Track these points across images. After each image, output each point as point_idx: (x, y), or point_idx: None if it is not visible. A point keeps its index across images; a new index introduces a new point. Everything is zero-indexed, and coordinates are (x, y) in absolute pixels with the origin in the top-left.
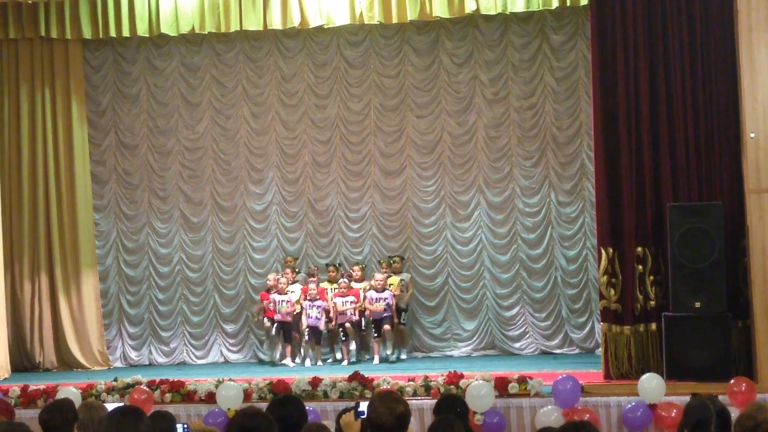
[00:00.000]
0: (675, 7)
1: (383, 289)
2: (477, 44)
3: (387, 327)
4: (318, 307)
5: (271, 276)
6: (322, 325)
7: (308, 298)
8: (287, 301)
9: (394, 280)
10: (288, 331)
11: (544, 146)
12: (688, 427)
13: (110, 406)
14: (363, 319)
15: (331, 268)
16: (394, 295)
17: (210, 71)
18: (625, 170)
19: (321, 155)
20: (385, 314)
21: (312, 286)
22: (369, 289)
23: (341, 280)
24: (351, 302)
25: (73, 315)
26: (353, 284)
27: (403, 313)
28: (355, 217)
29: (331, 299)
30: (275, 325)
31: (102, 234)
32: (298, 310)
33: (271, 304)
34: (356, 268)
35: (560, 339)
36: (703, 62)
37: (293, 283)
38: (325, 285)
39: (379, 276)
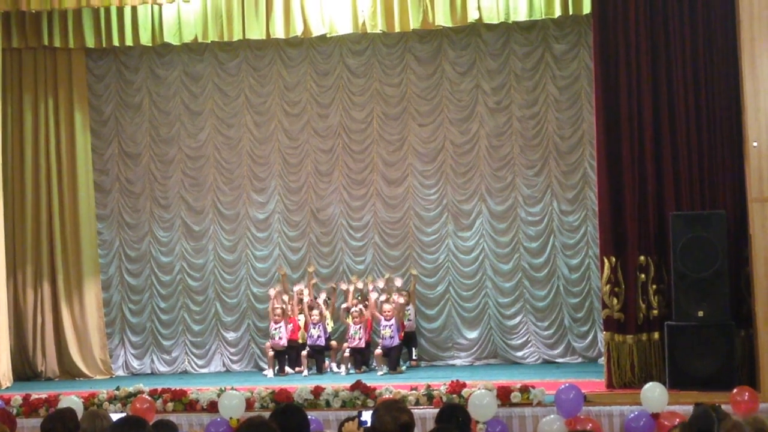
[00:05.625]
0: (677, 16)
1: (390, 318)
2: (479, 53)
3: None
4: (320, 325)
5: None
6: (323, 342)
7: (312, 321)
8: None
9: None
10: (283, 355)
11: (546, 155)
12: None
13: (112, 416)
14: (368, 348)
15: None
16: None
17: (212, 80)
18: (628, 179)
19: (323, 164)
20: (392, 340)
21: (315, 312)
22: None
23: (353, 310)
24: (361, 328)
25: (75, 324)
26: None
27: (414, 349)
28: (358, 225)
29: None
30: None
31: (105, 243)
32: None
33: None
34: (355, 301)
35: (563, 348)
36: (706, 71)
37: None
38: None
39: (387, 306)
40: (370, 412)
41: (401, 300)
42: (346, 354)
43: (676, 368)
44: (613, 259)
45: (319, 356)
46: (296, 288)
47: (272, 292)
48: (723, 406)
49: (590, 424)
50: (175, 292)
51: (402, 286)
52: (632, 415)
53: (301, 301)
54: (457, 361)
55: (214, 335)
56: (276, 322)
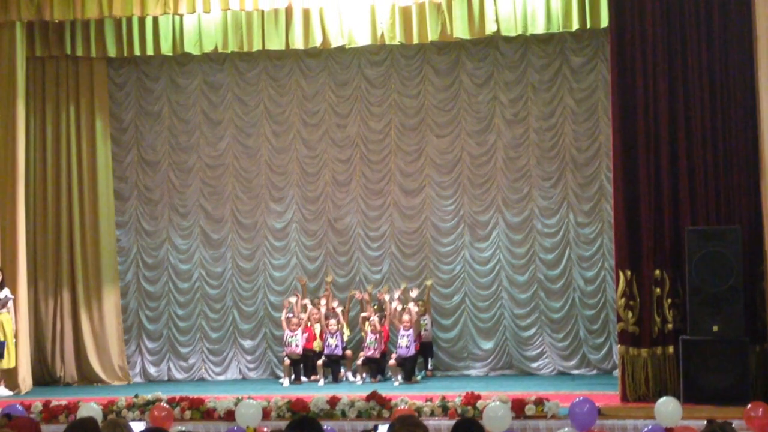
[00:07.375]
0: (694, 30)
1: (409, 328)
2: (497, 65)
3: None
4: (338, 335)
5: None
6: (340, 351)
7: (329, 330)
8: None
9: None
10: (299, 364)
11: (563, 167)
12: None
13: (132, 424)
14: (384, 358)
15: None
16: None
17: (232, 89)
18: (644, 192)
19: (341, 174)
20: (408, 350)
21: (333, 322)
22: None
23: (371, 319)
24: (376, 338)
25: (94, 330)
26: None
27: (429, 360)
28: (375, 235)
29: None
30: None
31: (123, 250)
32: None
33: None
34: (371, 309)
35: (578, 360)
36: (722, 85)
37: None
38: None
39: (405, 317)
40: (386, 426)
41: (415, 309)
42: (359, 362)
43: (691, 383)
44: (629, 273)
45: (335, 365)
46: (307, 300)
47: (292, 300)
48: (737, 422)
49: None
50: (192, 299)
51: (418, 296)
52: (646, 429)
53: (318, 310)
54: (473, 372)
55: (231, 343)
56: (292, 331)
